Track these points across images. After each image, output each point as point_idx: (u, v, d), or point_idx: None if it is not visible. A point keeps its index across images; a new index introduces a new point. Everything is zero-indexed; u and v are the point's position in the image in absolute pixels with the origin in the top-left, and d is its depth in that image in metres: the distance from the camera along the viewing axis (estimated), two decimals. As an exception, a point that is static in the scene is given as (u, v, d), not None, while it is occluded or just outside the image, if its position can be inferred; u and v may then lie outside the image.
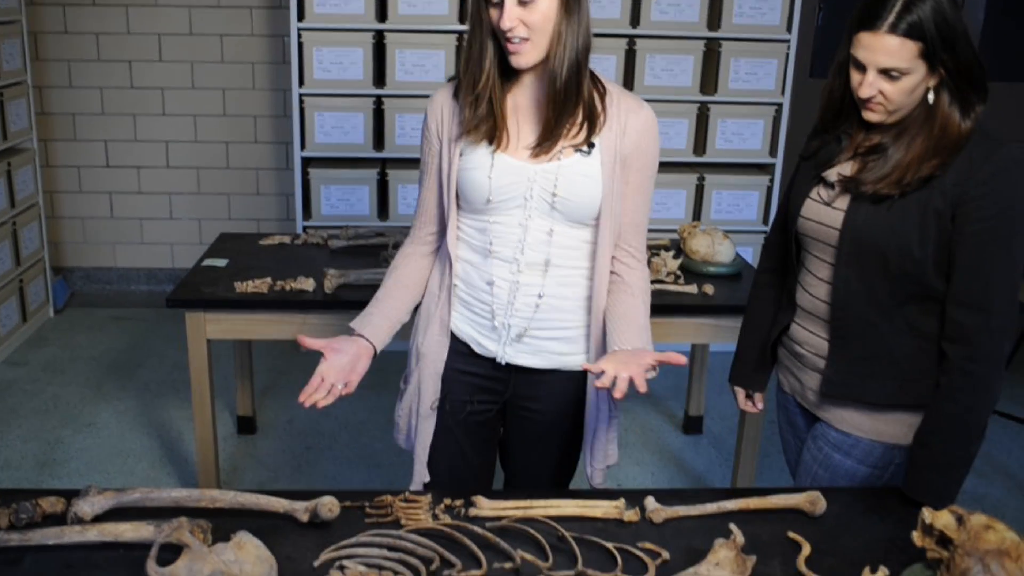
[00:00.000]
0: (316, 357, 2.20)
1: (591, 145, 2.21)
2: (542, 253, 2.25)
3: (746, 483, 3.85)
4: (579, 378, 2.37)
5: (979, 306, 2.09)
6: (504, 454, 2.58)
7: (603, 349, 2.30)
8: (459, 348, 2.37)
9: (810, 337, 2.34)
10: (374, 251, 3.93)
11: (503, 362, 2.34)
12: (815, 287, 2.31)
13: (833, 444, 2.34)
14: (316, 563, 1.84)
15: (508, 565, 1.83)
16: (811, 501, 2.09)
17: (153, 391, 5.02)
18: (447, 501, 2.07)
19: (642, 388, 2.01)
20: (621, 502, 2.07)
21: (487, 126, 2.19)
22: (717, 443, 4.72)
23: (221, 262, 3.78)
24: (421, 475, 2.44)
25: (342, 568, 1.78)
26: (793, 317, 2.40)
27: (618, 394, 2.00)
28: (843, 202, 2.20)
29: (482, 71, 2.15)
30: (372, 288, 3.42)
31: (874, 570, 1.83)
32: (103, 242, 6.44)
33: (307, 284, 3.48)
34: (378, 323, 2.32)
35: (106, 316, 6.06)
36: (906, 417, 2.24)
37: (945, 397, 2.15)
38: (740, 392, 2.65)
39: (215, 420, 3.67)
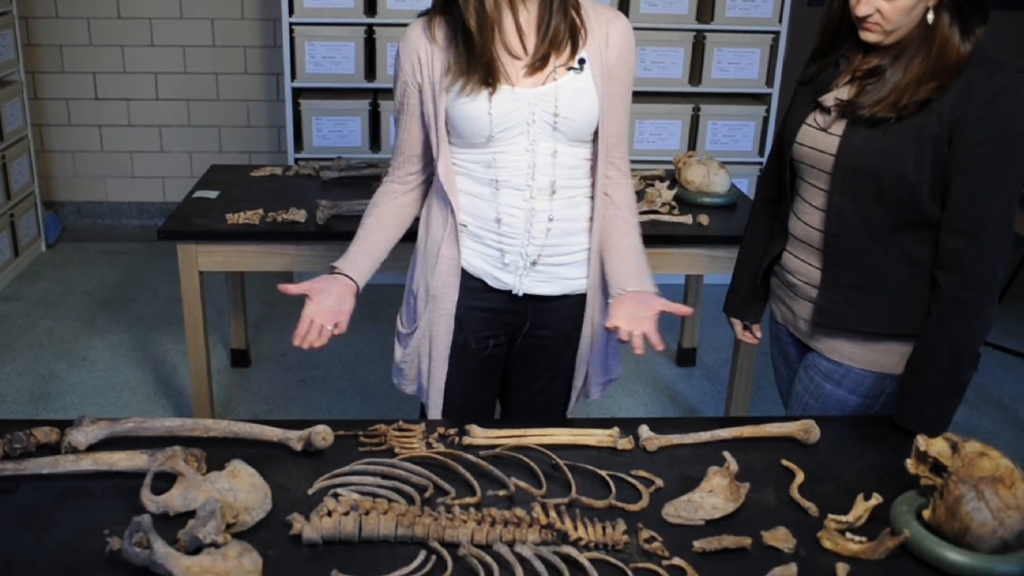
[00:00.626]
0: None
1: (582, 62, 2.19)
2: (549, 176, 2.22)
3: (739, 414, 3.85)
4: (583, 301, 2.36)
5: (973, 233, 2.07)
6: (506, 388, 2.56)
7: (601, 275, 2.32)
8: (472, 285, 2.32)
9: (802, 266, 2.32)
10: (366, 182, 3.90)
11: (520, 293, 2.31)
12: (809, 215, 2.29)
13: (824, 374, 2.34)
14: (310, 491, 1.84)
15: (502, 493, 1.84)
16: (805, 430, 2.09)
17: (146, 325, 5.02)
18: (441, 430, 2.07)
19: (659, 346, 2.04)
20: (615, 431, 2.06)
21: (482, 66, 2.14)
22: (710, 375, 4.73)
23: (212, 194, 3.76)
24: (436, 417, 2.41)
25: (336, 496, 1.78)
26: (785, 246, 2.39)
27: (638, 351, 2.03)
28: (839, 127, 2.18)
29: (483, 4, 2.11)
30: (364, 218, 3.42)
31: (867, 498, 1.83)
32: (94, 176, 6.39)
33: (299, 215, 3.46)
34: (360, 262, 2.30)
35: (98, 250, 6.03)
36: (898, 347, 2.24)
37: (937, 325, 2.14)
38: (737, 323, 2.64)
39: (209, 353, 3.67)
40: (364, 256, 2.31)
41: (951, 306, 2.11)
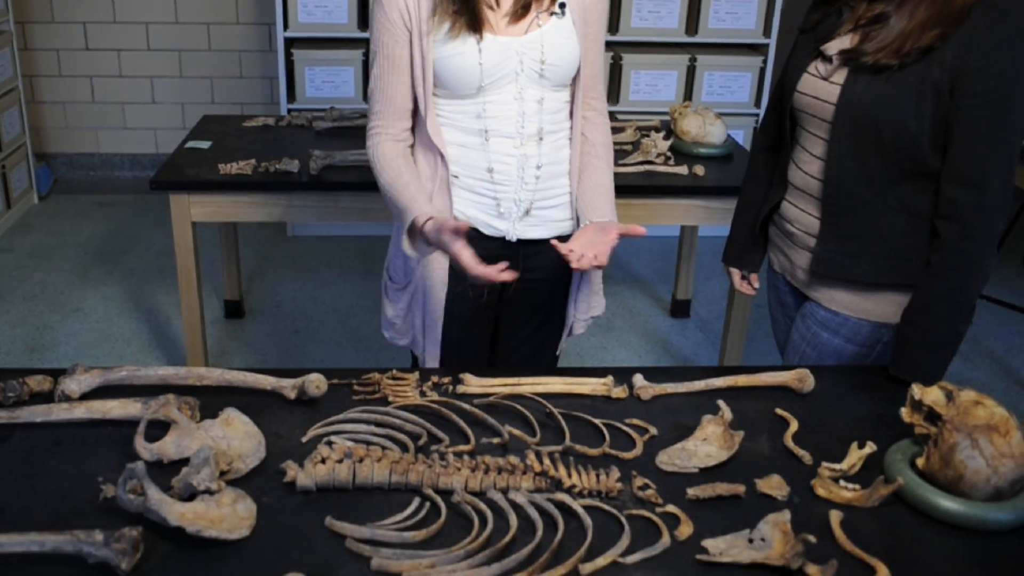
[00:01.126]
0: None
1: (562, 6, 2.20)
2: (536, 123, 2.24)
3: (733, 365, 3.86)
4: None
5: (974, 183, 2.06)
6: (496, 334, 2.57)
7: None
8: (467, 235, 2.30)
9: (801, 215, 2.31)
10: (359, 132, 3.85)
11: (513, 239, 2.32)
12: (808, 164, 2.28)
13: (821, 323, 2.33)
14: (304, 439, 1.84)
15: (496, 441, 1.84)
16: (799, 379, 2.09)
17: (140, 276, 5.00)
18: (435, 378, 2.06)
19: (603, 260, 2.09)
20: (609, 379, 2.06)
21: (468, 10, 2.13)
22: (704, 327, 4.73)
23: (204, 144, 3.73)
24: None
25: (330, 444, 1.78)
26: (784, 195, 2.38)
27: (574, 264, 2.07)
28: (840, 76, 2.16)
29: None
30: (357, 169, 3.41)
31: (861, 446, 1.83)
32: (85, 127, 6.36)
33: (292, 165, 3.44)
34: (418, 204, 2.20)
35: (90, 202, 6.01)
36: (895, 296, 2.23)
37: (936, 275, 2.13)
38: (735, 273, 2.64)
39: (202, 304, 3.66)
40: (423, 194, 2.23)
41: (950, 255, 2.11)
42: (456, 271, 2.31)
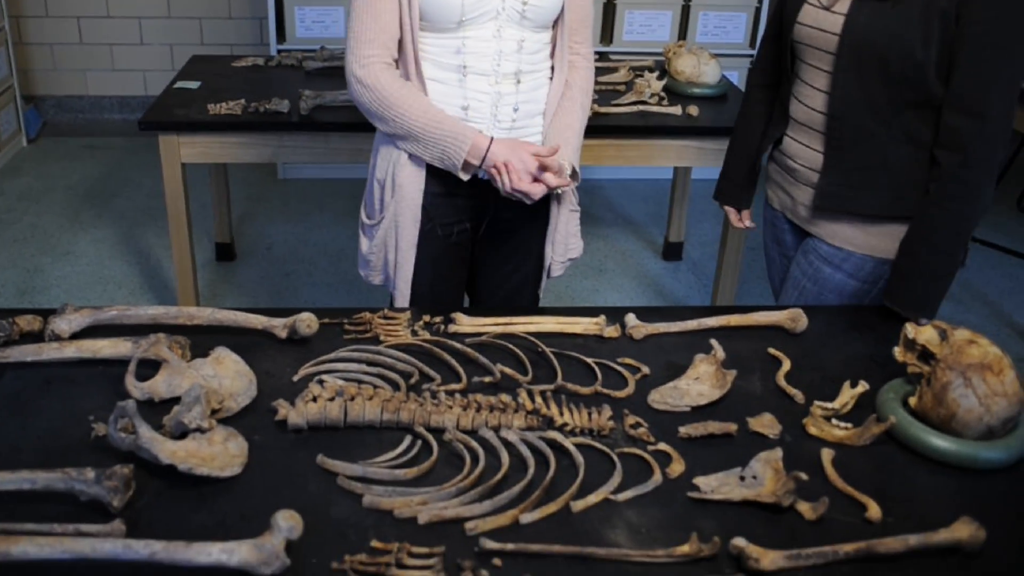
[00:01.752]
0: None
1: None
2: (514, 64, 2.23)
3: (726, 305, 3.85)
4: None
5: (976, 111, 2.04)
6: (475, 275, 2.57)
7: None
8: (438, 172, 2.29)
9: (804, 150, 2.29)
10: (351, 73, 3.84)
11: (486, 177, 2.29)
12: (811, 98, 2.25)
13: (824, 258, 2.32)
14: (295, 378, 1.83)
15: (488, 379, 1.83)
16: (792, 318, 2.08)
17: (130, 219, 4.98)
18: (426, 318, 2.05)
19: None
20: (601, 319, 2.06)
21: None
22: (696, 269, 4.72)
23: (193, 84, 3.70)
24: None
25: (321, 382, 1.78)
26: (786, 130, 2.36)
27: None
28: (843, 6, 2.13)
29: None
30: (348, 109, 3.39)
31: (854, 385, 1.83)
32: (73, 69, 6.29)
33: (282, 105, 3.41)
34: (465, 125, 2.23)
35: (79, 145, 5.97)
36: (898, 230, 2.21)
37: (935, 204, 2.12)
38: (732, 211, 2.62)
39: (193, 246, 3.65)
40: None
41: (950, 184, 2.09)
42: (427, 209, 2.31)
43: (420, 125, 2.18)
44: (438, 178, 2.30)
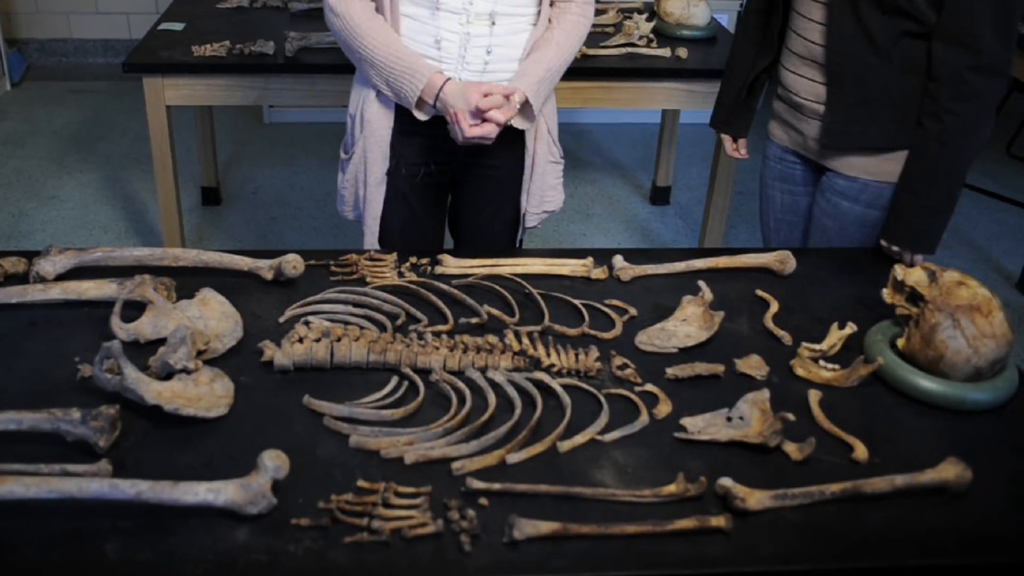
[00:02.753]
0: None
1: None
2: (489, 3, 2.16)
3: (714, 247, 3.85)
4: (525, 131, 2.32)
5: (966, 43, 2.02)
6: (454, 219, 2.54)
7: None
8: (407, 111, 2.24)
9: (807, 84, 2.27)
10: (337, 15, 3.80)
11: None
12: (809, 30, 2.23)
13: (841, 192, 2.31)
14: (281, 319, 1.82)
15: (474, 320, 1.83)
16: (780, 260, 2.08)
17: (115, 164, 4.94)
18: (413, 259, 2.04)
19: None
20: (589, 260, 2.05)
21: None
22: (684, 214, 4.71)
23: (178, 26, 3.65)
24: (372, 245, 2.39)
25: (307, 323, 1.77)
26: (778, 59, 2.35)
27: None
28: None
29: None
30: (334, 51, 3.35)
31: (842, 327, 1.83)
32: (57, 12, 6.21)
33: (267, 47, 3.37)
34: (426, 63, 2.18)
35: (64, 89, 5.90)
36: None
37: (932, 138, 2.10)
38: (728, 139, 2.60)
39: (178, 189, 3.62)
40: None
41: (944, 118, 2.08)
42: (394, 147, 2.29)
43: (381, 57, 2.15)
44: (408, 115, 2.25)
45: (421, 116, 2.19)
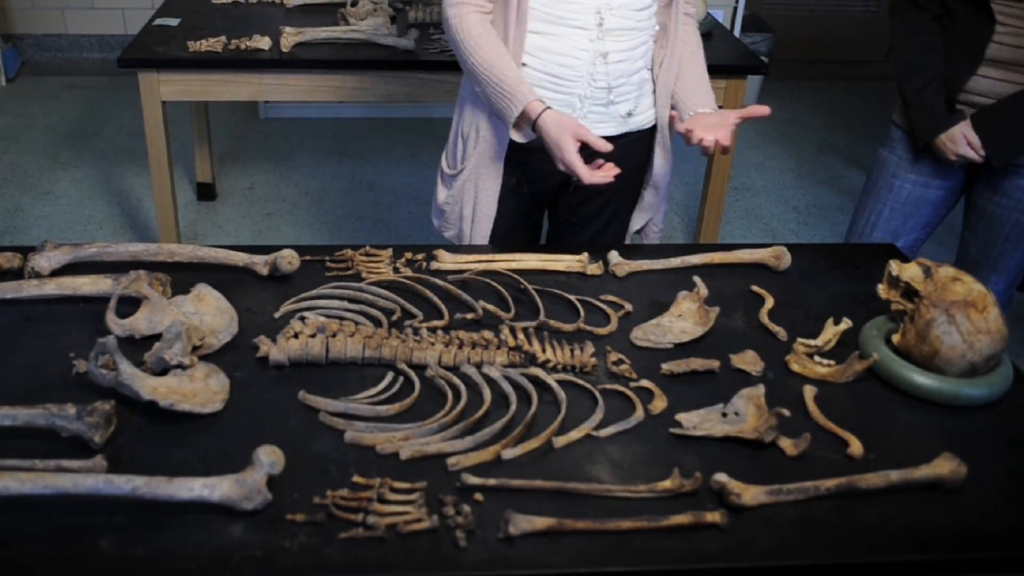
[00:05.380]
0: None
1: None
2: (617, 19, 2.12)
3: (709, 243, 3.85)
4: (645, 139, 2.32)
5: None
6: (557, 229, 2.49)
7: (668, 120, 2.28)
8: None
9: (999, 86, 2.41)
10: (331, 9, 3.79)
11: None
12: (1014, 36, 2.36)
13: None
14: (277, 315, 1.82)
15: (470, 316, 1.83)
16: (776, 256, 2.08)
17: (111, 159, 4.93)
18: (408, 255, 2.04)
19: (726, 142, 2.04)
20: (584, 256, 2.05)
21: None
22: (680, 209, 4.71)
23: (173, 21, 3.64)
24: None
25: (303, 319, 1.77)
26: (976, 70, 2.45)
27: (707, 149, 2.05)
28: None
29: None
30: (329, 46, 3.35)
31: (837, 322, 1.83)
32: (52, 7, 6.20)
33: (263, 43, 3.36)
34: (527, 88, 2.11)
35: (59, 84, 5.90)
36: None
37: None
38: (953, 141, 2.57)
39: (174, 184, 3.61)
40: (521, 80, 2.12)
41: None
42: (510, 162, 2.25)
43: (484, 75, 2.09)
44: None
45: (518, 138, 2.15)
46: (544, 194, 2.36)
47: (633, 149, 2.30)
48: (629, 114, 2.25)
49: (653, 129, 2.33)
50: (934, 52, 2.50)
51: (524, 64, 2.15)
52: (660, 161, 2.36)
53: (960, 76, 2.44)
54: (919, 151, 2.58)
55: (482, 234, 2.32)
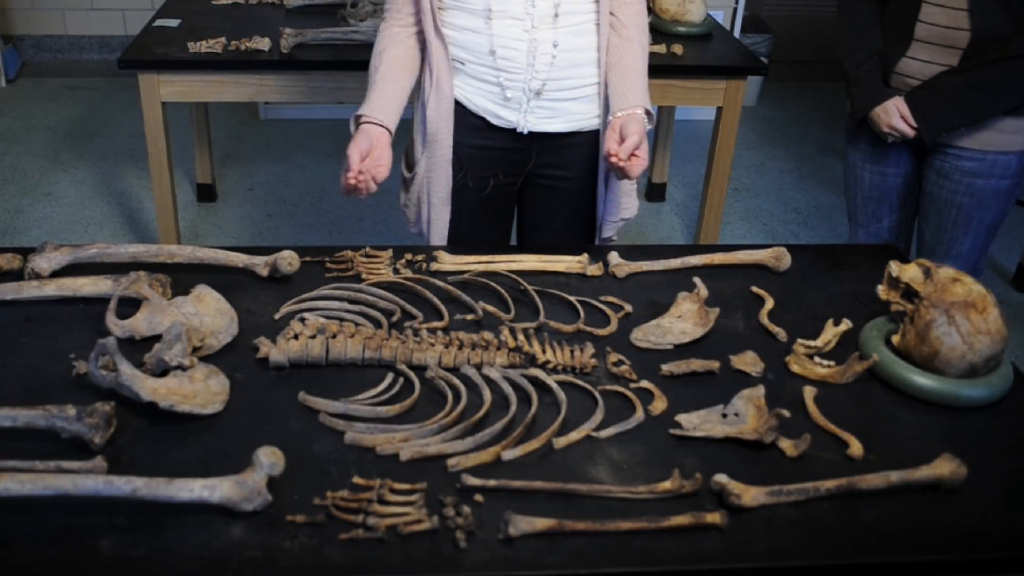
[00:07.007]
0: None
1: None
2: (550, 5, 2.08)
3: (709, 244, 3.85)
4: (596, 138, 2.27)
5: None
6: (522, 229, 2.49)
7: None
8: (473, 123, 2.22)
9: (928, 67, 2.45)
10: (331, 10, 3.79)
11: (524, 131, 2.20)
12: (939, 16, 2.39)
13: (971, 172, 2.47)
14: (276, 316, 1.82)
15: (470, 317, 1.83)
16: (776, 257, 2.08)
17: (111, 160, 4.94)
18: (408, 256, 2.04)
19: (619, 162, 1.98)
20: (584, 257, 2.05)
21: None
22: (680, 210, 4.71)
23: (173, 22, 3.64)
24: None
25: (303, 320, 1.77)
26: (906, 51, 2.49)
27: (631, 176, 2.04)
28: None
29: None
30: (330, 47, 3.35)
31: (837, 323, 1.83)
32: (52, 8, 6.20)
33: (263, 44, 3.37)
34: (388, 107, 2.13)
35: (59, 85, 5.90)
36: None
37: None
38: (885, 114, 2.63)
39: (174, 185, 3.61)
40: (389, 101, 2.14)
41: None
42: (460, 160, 2.25)
43: (369, 78, 2.17)
44: (474, 129, 2.22)
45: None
46: (500, 194, 2.34)
47: (586, 150, 2.29)
48: (581, 112, 2.22)
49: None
50: (874, 32, 2.59)
51: (460, 62, 2.18)
52: (603, 165, 2.28)
53: (894, 56, 2.52)
54: (857, 125, 2.67)
55: (439, 235, 2.32)
